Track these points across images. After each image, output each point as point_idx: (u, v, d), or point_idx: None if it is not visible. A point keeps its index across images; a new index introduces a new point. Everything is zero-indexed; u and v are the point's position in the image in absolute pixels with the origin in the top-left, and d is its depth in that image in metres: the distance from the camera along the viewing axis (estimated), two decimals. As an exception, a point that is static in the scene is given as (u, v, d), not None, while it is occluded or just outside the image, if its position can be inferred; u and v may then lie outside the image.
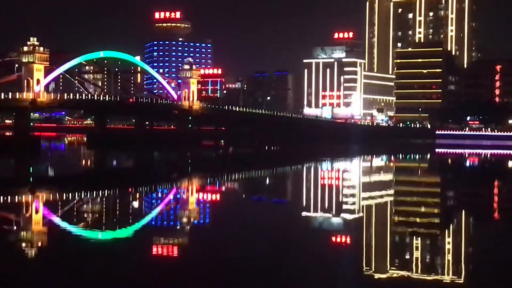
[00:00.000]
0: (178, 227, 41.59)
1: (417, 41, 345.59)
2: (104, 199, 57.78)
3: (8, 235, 37.69)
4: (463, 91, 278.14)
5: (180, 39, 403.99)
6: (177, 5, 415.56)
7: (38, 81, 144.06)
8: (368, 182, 78.65)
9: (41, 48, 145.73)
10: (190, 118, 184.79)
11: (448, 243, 36.76)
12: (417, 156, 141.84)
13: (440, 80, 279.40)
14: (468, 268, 30.17)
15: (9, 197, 53.79)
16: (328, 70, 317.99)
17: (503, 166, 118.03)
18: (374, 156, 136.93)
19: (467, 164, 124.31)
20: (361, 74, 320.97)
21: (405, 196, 63.63)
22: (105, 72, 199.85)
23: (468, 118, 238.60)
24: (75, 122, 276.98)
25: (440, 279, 27.61)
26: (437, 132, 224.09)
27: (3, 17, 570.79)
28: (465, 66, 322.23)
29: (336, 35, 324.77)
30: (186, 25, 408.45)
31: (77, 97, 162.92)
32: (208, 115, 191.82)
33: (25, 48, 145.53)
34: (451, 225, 44.61)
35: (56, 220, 43.41)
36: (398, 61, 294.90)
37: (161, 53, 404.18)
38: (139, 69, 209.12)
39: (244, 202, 57.10)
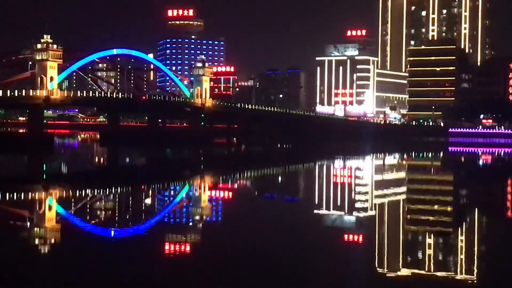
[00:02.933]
0: (190, 224, 41.70)
1: (430, 38, 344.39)
2: (116, 196, 57.97)
3: (22, 231, 37.90)
4: (476, 89, 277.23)
5: (193, 36, 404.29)
6: (190, 3, 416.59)
7: (51, 79, 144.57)
8: (380, 180, 78.41)
9: (55, 46, 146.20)
10: (202, 115, 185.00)
11: (461, 241, 36.63)
12: (430, 154, 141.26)
13: (454, 78, 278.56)
14: (481, 267, 30.03)
15: (22, 193, 54.09)
16: (340, 67, 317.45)
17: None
18: (387, 154, 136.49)
19: (480, 162, 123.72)
20: (374, 71, 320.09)
21: (418, 194, 63.40)
22: (118, 69, 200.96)
23: (482, 116, 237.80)
24: (88, 120, 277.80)
25: (453, 277, 27.51)
26: (450, 130, 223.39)
27: (16, 15, 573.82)
28: (479, 64, 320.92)
29: (348, 33, 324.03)
30: (198, 23, 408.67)
31: (90, 95, 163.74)
32: (220, 112, 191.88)
33: (39, 46, 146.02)
34: (464, 223, 44.45)
35: (69, 216, 43.57)
36: (411, 58, 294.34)
37: (174, 51, 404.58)
38: (151, 66, 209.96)
39: (256, 200, 57.06)
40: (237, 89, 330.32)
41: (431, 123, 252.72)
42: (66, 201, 51.88)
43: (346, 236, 37.56)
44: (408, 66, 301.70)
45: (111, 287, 24.97)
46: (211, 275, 26.85)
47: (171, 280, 26.20)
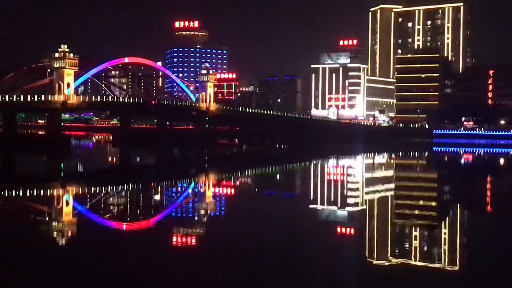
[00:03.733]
0: (196, 218, 41.71)
1: (416, 48, 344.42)
2: (128, 192, 57.98)
3: (42, 225, 37.93)
4: (458, 94, 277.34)
5: (198, 46, 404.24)
6: (196, 15, 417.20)
7: (68, 85, 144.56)
8: (370, 178, 78.46)
9: (71, 54, 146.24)
10: (207, 118, 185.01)
11: (444, 233, 36.65)
12: (416, 154, 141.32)
13: (437, 83, 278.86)
14: (463, 257, 30.04)
15: (42, 190, 54.12)
16: (334, 74, 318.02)
17: (495, 163, 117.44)
18: (376, 153, 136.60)
19: (462, 161, 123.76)
20: (364, 78, 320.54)
21: (405, 190, 63.47)
22: (130, 76, 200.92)
23: (463, 118, 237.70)
24: (102, 122, 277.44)
25: (437, 267, 27.54)
26: (434, 131, 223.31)
27: (36, 26, 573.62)
28: (460, 70, 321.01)
29: (341, 42, 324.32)
30: (203, 34, 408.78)
31: (104, 99, 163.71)
32: (223, 116, 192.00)
33: (56, 55, 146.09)
34: (447, 217, 44.46)
35: (85, 211, 43.60)
36: (399, 66, 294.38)
37: (181, 59, 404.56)
38: (160, 73, 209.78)
39: (256, 196, 57.09)
40: (239, 94, 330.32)
41: (416, 125, 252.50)
42: (81, 197, 51.97)
43: (339, 229, 37.60)
44: (396, 73, 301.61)
45: (123, 275, 24.94)
46: (215, 262, 26.91)
47: (179, 267, 26.23)
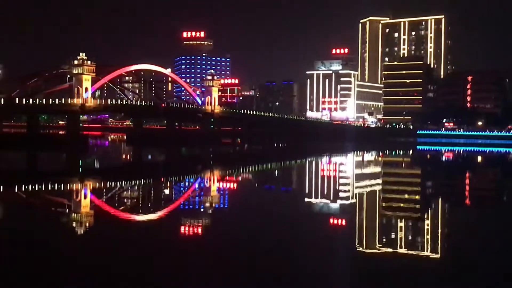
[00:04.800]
0: (202, 210, 41.72)
1: (401, 56, 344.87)
2: (140, 187, 58.02)
3: (63, 216, 37.99)
4: (440, 97, 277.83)
5: (204, 54, 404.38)
6: (202, 26, 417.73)
7: (86, 89, 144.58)
8: (360, 174, 78.46)
9: (89, 62, 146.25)
10: (212, 120, 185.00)
11: (427, 224, 36.65)
12: (401, 152, 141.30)
13: (421, 88, 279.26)
14: (444, 245, 30.07)
15: (62, 185, 54.17)
16: (327, 80, 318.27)
17: (474, 161, 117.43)
18: (365, 152, 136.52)
19: (444, 159, 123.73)
20: (354, 83, 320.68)
21: (391, 185, 63.48)
22: (142, 81, 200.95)
23: (444, 120, 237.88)
24: (116, 123, 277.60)
25: (420, 254, 27.56)
26: (418, 132, 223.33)
27: (57, 36, 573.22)
28: (442, 77, 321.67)
29: (333, 51, 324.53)
30: (209, 43, 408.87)
31: (118, 103, 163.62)
32: (227, 117, 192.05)
33: (75, 62, 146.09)
34: (429, 209, 44.48)
35: (101, 204, 43.64)
36: (386, 72, 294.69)
37: (188, 66, 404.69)
38: (169, 79, 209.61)
39: (257, 190, 57.12)
40: (241, 98, 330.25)
41: (402, 126, 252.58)
42: (98, 191, 51.99)
43: (331, 220, 37.60)
44: (383, 79, 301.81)
45: (136, 260, 24.98)
46: (220, 247, 26.95)
47: (187, 252, 26.26)
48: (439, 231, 34.68)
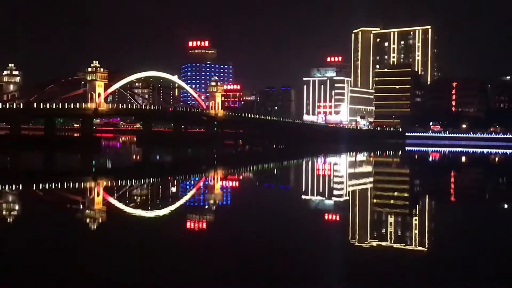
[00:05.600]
0: (206, 207, 41.74)
1: (391, 63, 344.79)
2: (149, 185, 58.04)
3: (77, 212, 38.00)
4: (427, 102, 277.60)
5: (208, 62, 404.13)
6: (206, 36, 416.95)
7: (99, 95, 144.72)
8: (353, 173, 78.49)
9: (101, 69, 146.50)
10: (215, 123, 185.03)
11: (415, 220, 36.66)
12: (391, 153, 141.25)
13: (409, 94, 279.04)
14: (431, 239, 30.09)
15: (77, 183, 54.21)
16: (322, 86, 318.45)
17: (458, 161, 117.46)
18: (358, 152, 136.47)
19: (430, 159, 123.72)
20: (347, 89, 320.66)
21: (382, 183, 63.46)
22: (151, 87, 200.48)
23: (431, 123, 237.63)
24: (127, 126, 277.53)
25: (408, 247, 27.57)
26: (406, 134, 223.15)
27: (72, 45, 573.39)
28: (429, 83, 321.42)
29: (328, 59, 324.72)
30: (213, 51, 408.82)
31: (129, 107, 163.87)
32: (229, 120, 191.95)
33: (89, 69, 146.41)
34: (417, 205, 44.49)
35: (113, 201, 43.65)
36: (377, 79, 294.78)
37: (194, 73, 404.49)
38: (176, 85, 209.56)
39: (257, 187, 57.12)
40: (242, 102, 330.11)
41: (392, 129, 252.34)
42: (110, 189, 51.99)
43: (326, 215, 37.63)
44: (374, 85, 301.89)
45: (146, 253, 25.00)
46: (223, 238, 26.97)
47: (193, 245, 26.28)
48: (426, 225, 34.67)
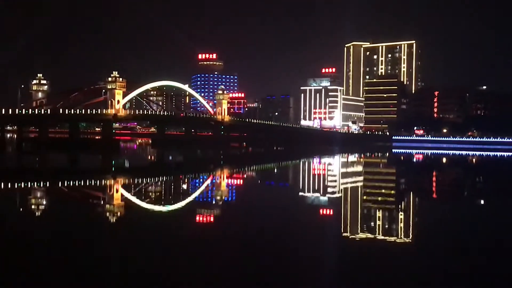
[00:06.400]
0: (214, 202, 41.80)
1: (379, 74, 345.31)
2: (163, 182, 58.12)
3: (98, 207, 38.10)
4: (411, 109, 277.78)
5: (216, 72, 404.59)
6: (214, 49, 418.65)
7: (118, 102, 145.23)
8: (345, 172, 78.48)
9: (120, 79, 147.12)
10: (222, 127, 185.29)
11: (401, 214, 36.66)
12: (379, 154, 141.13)
13: (396, 101, 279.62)
14: (415, 232, 30.10)
15: (98, 181, 54.33)
16: (317, 94, 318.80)
17: (439, 161, 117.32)
18: (350, 154, 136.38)
19: (414, 160, 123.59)
20: (340, 97, 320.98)
21: (371, 182, 63.44)
22: (164, 95, 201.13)
23: (415, 128, 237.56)
24: (143, 130, 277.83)
25: (395, 240, 27.59)
26: (393, 137, 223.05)
27: (96, 56, 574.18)
28: (413, 92, 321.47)
29: (323, 70, 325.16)
30: (220, 63, 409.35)
31: (145, 113, 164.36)
32: (234, 125, 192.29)
33: (109, 79, 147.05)
34: (403, 202, 44.50)
35: (130, 197, 43.74)
36: (366, 88, 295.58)
37: (203, 82, 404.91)
38: (187, 93, 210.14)
39: (259, 185, 57.14)
40: (246, 109, 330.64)
41: (380, 133, 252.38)
42: (128, 186, 52.08)
43: (321, 210, 37.65)
44: (364, 93, 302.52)
45: (159, 245, 25.07)
46: (229, 230, 27.02)
47: (203, 238, 26.34)
48: (411, 220, 34.68)
